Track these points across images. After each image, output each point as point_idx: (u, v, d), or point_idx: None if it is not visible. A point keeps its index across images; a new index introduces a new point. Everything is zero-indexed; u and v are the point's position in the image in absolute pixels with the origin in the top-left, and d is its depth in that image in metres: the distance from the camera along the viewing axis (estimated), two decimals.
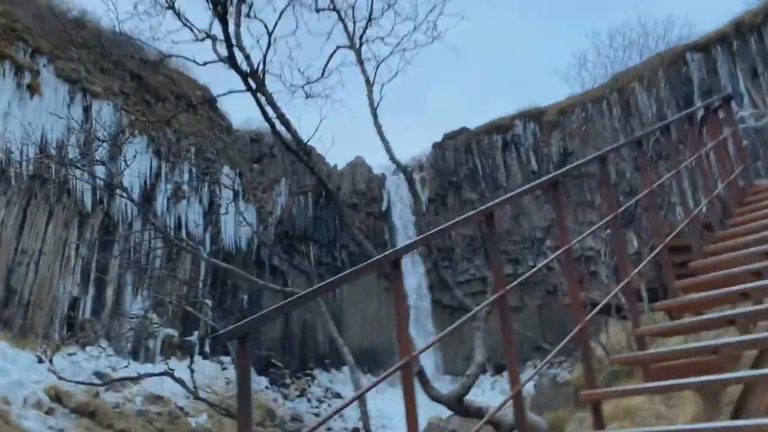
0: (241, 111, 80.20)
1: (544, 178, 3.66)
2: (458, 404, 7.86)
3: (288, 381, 46.86)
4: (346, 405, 3.29)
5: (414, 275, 48.66)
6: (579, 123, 48.91)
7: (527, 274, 4.23)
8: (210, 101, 49.03)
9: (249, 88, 11.69)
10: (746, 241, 4.49)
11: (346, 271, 2.98)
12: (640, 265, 3.90)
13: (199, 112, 48.12)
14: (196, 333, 39.74)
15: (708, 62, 44.13)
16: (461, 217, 3.62)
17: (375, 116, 13.43)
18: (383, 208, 55.06)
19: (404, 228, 54.55)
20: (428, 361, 47.99)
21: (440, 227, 3.24)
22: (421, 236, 3.17)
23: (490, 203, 3.63)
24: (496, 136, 53.01)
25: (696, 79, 44.37)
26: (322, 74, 13.42)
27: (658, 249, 4.16)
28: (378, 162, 58.65)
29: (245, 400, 2.44)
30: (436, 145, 55.47)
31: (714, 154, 5.12)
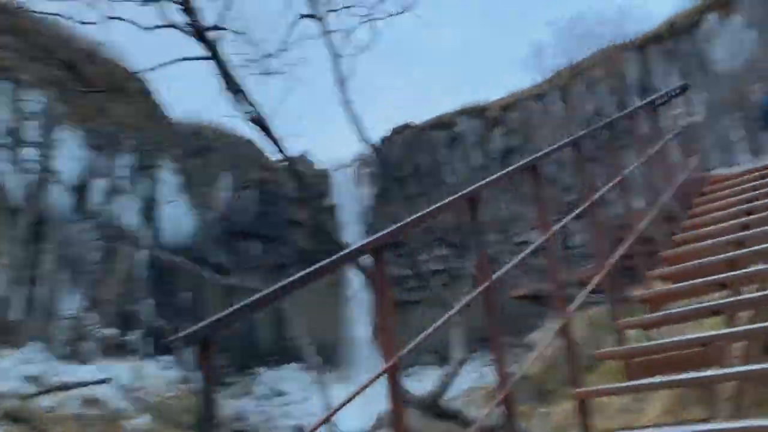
0: (183, 104, 78.11)
1: (523, 162, 3.45)
2: (433, 406, 7.17)
3: (230, 380, 45.98)
4: (348, 401, 2.77)
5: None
6: (521, 119, 49.82)
7: (513, 263, 4.08)
8: (149, 92, 47.51)
9: (206, 55, 10.65)
10: (712, 231, 4.47)
11: (324, 262, 2.54)
12: (619, 251, 3.79)
13: (138, 104, 46.51)
14: (136, 332, 38.47)
15: (644, 61, 45.67)
16: (443, 202, 3.39)
17: (343, 91, 12.50)
18: (330, 204, 54.68)
19: (351, 223, 54.34)
20: (375, 360, 47.89)
21: (422, 213, 2.91)
22: (404, 222, 2.77)
23: (474, 186, 3.39)
24: (440, 132, 53.40)
25: (632, 77, 45.95)
26: (283, 46, 12.47)
27: (631, 240, 4.09)
28: (322, 157, 58.29)
29: (209, 414, 1.92)
30: (382, 141, 55.44)
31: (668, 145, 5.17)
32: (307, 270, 2.45)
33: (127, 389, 33.00)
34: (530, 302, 15.41)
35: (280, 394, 46.76)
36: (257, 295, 1.99)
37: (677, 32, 45.95)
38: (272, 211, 52.21)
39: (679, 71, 45.20)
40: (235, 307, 1.93)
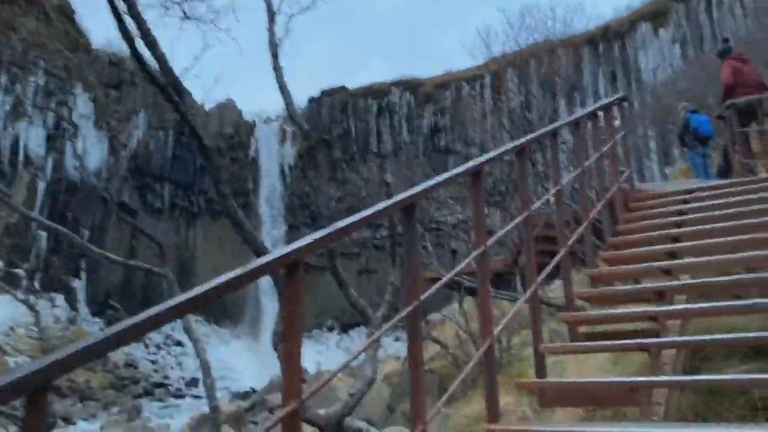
0: (106, 30, 73.29)
1: (465, 167, 3.09)
2: (337, 427, 6.63)
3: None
4: (354, 358, 2.31)
5: (268, 238, 47.37)
6: (453, 100, 50.17)
7: (501, 232, 3.78)
8: (70, 11, 44.16)
9: None
10: (639, 254, 4.40)
11: (219, 282, 1.73)
12: (547, 270, 3.62)
13: (55, 23, 43.15)
14: (25, 265, 36.26)
15: (576, 60, 46.95)
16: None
17: (275, 56, 11.07)
18: (250, 157, 53.26)
19: (269, 179, 53.24)
20: (267, 338, 46.98)
21: (348, 223, 2.24)
22: (324, 233, 2.13)
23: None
24: (372, 100, 53.01)
25: (563, 74, 47.25)
26: None
27: (559, 256, 3.95)
28: (249, 107, 56.62)
29: None
30: (312, 101, 54.35)
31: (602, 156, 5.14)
32: (182, 299, 1.73)
33: (9, 326, 31.15)
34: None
35: (178, 344, 45.73)
36: (104, 337, 1.32)
37: (610, 37, 47.54)
38: (188, 156, 50.34)
39: (608, 75, 46.88)
40: (77, 349, 1.24)
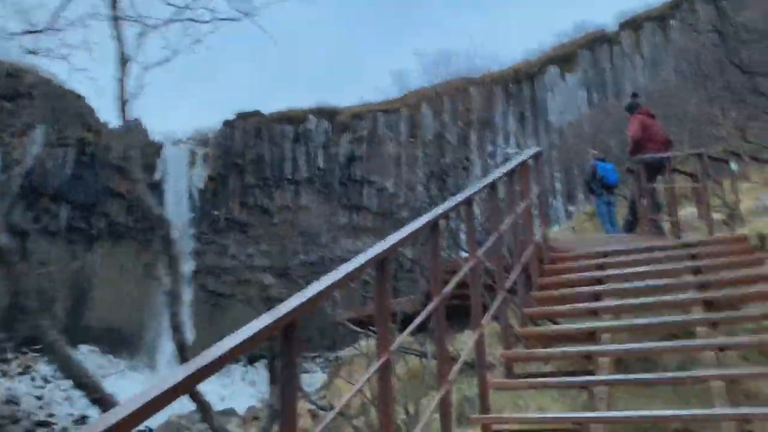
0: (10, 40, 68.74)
1: (427, 220, 2.83)
2: None
3: (9, 356, 40.94)
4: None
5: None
6: (369, 130, 50.40)
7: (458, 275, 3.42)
8: None
9: None
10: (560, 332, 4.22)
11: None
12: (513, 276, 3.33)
13: None
14: None
15: (487, 98, 48.53)
16: (351, 267, 2.41)
17: (123, 111, 9.24)
18: (156, 178, 51.02)
19: (177, 203, 51.15)
20: (166, 370, 44.84)
21: (312, 297, 1.79)
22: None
23: (385, 246, 2.52)
24: (289, 126, 52.36)
25: (475, 111, 48.71)
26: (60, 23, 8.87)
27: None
28: (159, 128, 54.34)
29: None
30: (226, 124, 53.02)
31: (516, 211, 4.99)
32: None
33: None
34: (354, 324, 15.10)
35: (68, 377, 42.56)
36: None
37: (521, 79, 49.56)
38: (89, 175, 47.55)
39: (517, 115, 48.72)
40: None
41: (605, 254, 5.12)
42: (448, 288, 3.28)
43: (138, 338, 46.62)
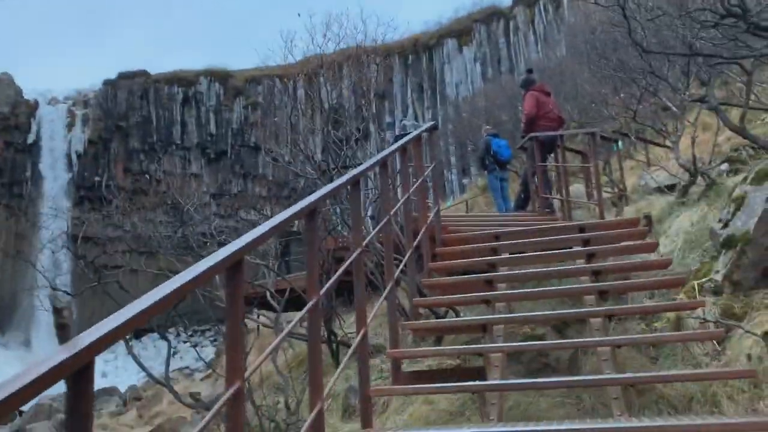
0: None
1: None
2: None
3: None
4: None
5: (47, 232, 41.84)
6: (265, 95, 48.69)
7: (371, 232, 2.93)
8: None
9: None
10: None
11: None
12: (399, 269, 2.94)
13: None
14: None
15: (386, 68, 48.22)
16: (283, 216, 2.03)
17: None
18: (29, 140, 46.84)
19: (53, 167, 47.32)
20: (41, 347, 42.07)
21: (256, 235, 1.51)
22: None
23: (311, 200, 2.15)
24: (178, 88, 49.56)
25: (374, 80, 48.28)
26: None
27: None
28: (34, 85, 49.76)
29: None
30: (107, 83, 49.38)
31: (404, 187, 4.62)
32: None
33: None
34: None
35: None
36: None
37: (419, 50, 49.57)
38: None
39: (416, 86, 48.79)
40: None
41: (498, 237, 4.89)
42: (326, 287, 2.89)
43: (10, 313, 43.10)
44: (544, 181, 7.72)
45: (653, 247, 4.47)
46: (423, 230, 4.56)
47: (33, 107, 47.51)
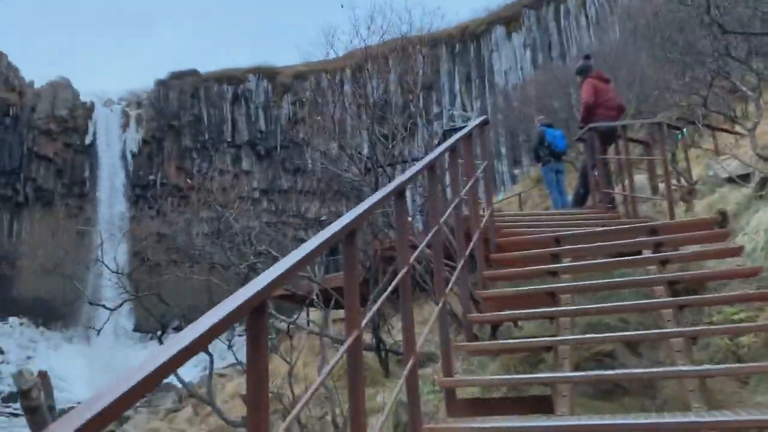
0: None
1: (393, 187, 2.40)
2: None
3: None
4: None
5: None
6: (312, 91, 48.72)
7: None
8: None
9: None
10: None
11: None
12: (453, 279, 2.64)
13: None
14: None
15: (434, 59, 47.55)
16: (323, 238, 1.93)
17: None
18: (87, 142, 48.27)
19: (111, 167, 48.63)
20: (101, 342, 43.34)
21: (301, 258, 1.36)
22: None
23: (350, 217, 2.03)
24: (227, 86, 50.14)
25: (421, 72, 47.64)
26: None
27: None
28: (89, 87, 51.18)
29: None
30: (159, 83, 50.38)
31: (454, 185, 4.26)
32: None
33: None
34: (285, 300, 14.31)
35: None
36: None
37: (467, 38, 48.64)
38: (12, 139, 44.48)
39: (463, 75, 47.95)
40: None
41: (558, 240, 4.47)
42: (368, 317, 2.69)
43: (72, 309, 44.58)
44: (604, 174, 7.19)
45: (737, 252, 3.98)
46: (476, 236, 4.18)
47: (89, 109, 48.89)
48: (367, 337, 7.13)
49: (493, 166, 36.76)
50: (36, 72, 50.23)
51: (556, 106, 22.39)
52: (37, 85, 48.52)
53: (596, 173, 7.44)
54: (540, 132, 11.20)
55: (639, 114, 12.90)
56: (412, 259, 3.02)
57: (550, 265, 4.19)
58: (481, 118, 5.16)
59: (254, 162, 49.41)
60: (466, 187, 4.37)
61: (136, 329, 44.60)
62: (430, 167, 3.40)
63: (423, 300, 8.95)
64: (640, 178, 9.35)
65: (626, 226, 4.86)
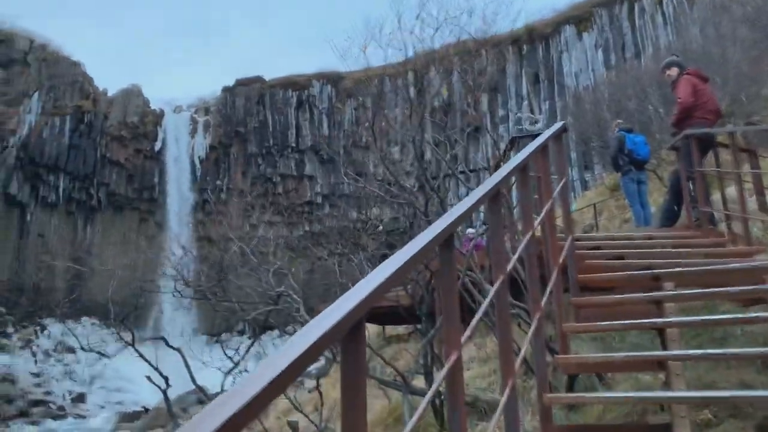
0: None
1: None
2: None
3: (10, 329, 40.23)
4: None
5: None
6: (374, 96, 48.34)
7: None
8: None
9: None
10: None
11: None
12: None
13: None
14: None
15: (499, 60, 46.22)
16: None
17: None
18: (157, 148, 49.52)
19: (178, 172, 49.71)
20: (188, 320, 44.61)
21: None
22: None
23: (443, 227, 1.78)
24: (292, 92, 50.43)
25: (486, 73, 46.39)
26: None
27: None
28: (158, 94, 52.68)
29: None
30: (226, 90, 51.19)
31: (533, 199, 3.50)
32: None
33: None
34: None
35: (70, 350, 41.76)
36: None
37: (534, 38, 47.06)
38: (87, 144, 46.10)
39: (531, 76, 46.40)
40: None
41: (658, 279, 3.56)
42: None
43: (141, 311, 45.68)
44: (702, 188, 6.14)
45: None
46: (554, 276, 3.34)
47: (159, 116, 50.13)
48: (419, 381, 6.33)
49: (569, 189, 35.13)
50: (109, 80, 52.05)
51: (630, 107, 20.94)
52: (110, 93, 50.11)
53: (691, 187, 6.39)
54: (619, 137, 10.12)
55: (731, 116, 11.58)
56: (509, 267, 2.68)
57: (652, 320, 3.30)
58: (560, 125, 4.29)
59: (317, 167, 49.40)
60: (543, 212, 3.54)
61: (200, 332, 45.27)
62: (522, 168, 2.76)
63: (481, 333, 8.06)
64: (730, 191, 8.17)
65: (753, 262, 3.86)
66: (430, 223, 8.51)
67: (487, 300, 2.45)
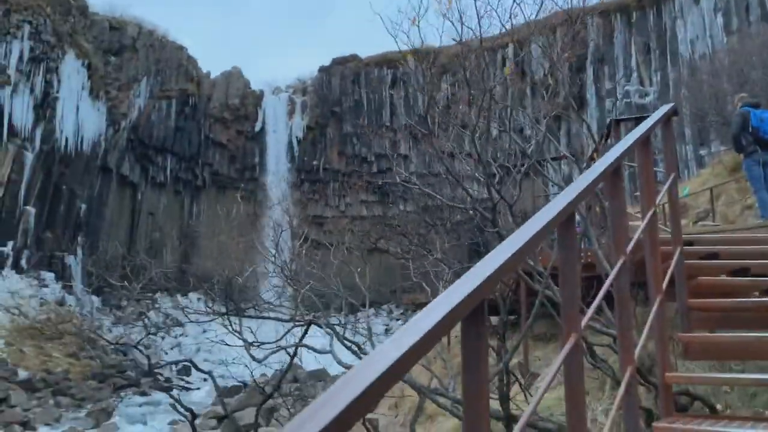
0: None
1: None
2: None
3: (124, 303, 42.86)
4: None
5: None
6: (471, 70, 46.87)
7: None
8: None
9: None
10: None
11: None
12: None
13: None
14: (10, 243, 34.48)
15: (606, 29, 43.31)
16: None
17: None
18: (257, 129, 50.78)
19: (277, 153, 50.79)
20: (284, 299, 45.57)
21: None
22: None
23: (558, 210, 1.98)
24: (387, 70, 49.94)
25: (592, 44, 43.57)
26: None
27: None
28: (258, 76, 53.92)
29: None
30: (322, 70, 51.49)
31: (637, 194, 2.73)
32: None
33: None
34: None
35: (178, 324, 44.08)
36: None
37: (645, 5, 43.66)
38: (191, 127, 47.99)
39: (641, 46, 43.19)
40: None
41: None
42: (588, 316, 2.17)
43: (243, 288, 47.42)
44: None
45: None
46: (657, 303, 2.54)
47: (259, 97, 51.27)
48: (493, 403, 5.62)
49: (678, 175, 32.52)
50: (212, 63, 53.74)
51: (755, 77, 18.74)
52: (212, 76, 51.72)
53: None
54: (743, 114, 8.81)
55: None
56: (628, 249, 2.51)
57: None
58: (668, 107, 3.40)
59: (411, 146, 48.84)
60: (645, 220, 2.74)
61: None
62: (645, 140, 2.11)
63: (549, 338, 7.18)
64: None
65: None
66: (511, 208, 7.69)
67: (608, 281, 2.26)
